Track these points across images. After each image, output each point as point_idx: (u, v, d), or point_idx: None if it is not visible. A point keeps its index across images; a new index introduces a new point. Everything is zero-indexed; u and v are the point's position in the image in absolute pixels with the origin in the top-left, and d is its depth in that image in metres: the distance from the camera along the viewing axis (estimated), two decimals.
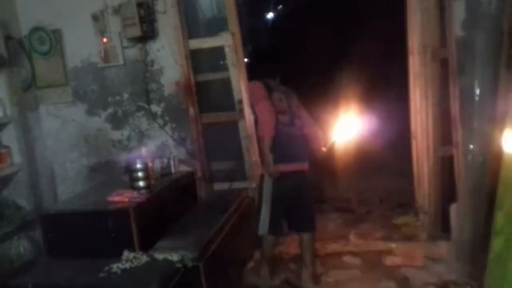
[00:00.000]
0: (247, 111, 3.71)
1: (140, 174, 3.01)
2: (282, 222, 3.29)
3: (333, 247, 3.77)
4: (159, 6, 3.78)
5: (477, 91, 3.07)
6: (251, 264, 3.59)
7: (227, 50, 3.79)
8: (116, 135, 4.14)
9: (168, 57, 3.88)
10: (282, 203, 3.17)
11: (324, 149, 3.31)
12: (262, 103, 3.07)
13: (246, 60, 3.82)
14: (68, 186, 4.26)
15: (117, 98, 4.08)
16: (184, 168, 3.67)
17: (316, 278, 3.32)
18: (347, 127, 3.31)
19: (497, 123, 2.96)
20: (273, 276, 3.42)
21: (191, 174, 3.72)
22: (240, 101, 3.76)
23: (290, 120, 3.12)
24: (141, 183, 3.02)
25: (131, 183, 3.04)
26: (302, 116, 3.24)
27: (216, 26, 3.87)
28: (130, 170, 3.06)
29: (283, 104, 3.10)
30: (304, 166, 3.18)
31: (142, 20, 3.64)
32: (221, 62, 3.88)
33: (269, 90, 3.11)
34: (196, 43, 3.89)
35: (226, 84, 3.81)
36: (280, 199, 3.15)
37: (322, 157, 3.33)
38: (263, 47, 8.59)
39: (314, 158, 3.33)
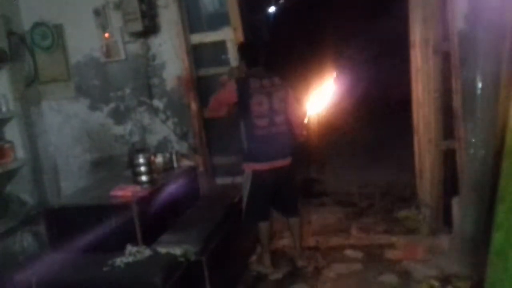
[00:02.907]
0: None
1: (142, 168, 3.02)
2: (266, 210, 3.40)
3: (334, 240, 3.77)
4: (160, 1, 3.78)
5: (479, 85, 3.05)
6: (254, 257, 3.60)
7: (229, 44, 3.79)
8: (118, 130, 4.14)
9: (169, 52, 3.88)
10: (263, 195, 3.30)
11: (305, 132, 3.44)
12: (219, 104, 3.28)
13: None
14: (71, 180, 4.27)
15: (119, 93, 4.08)
16: (186, 163, 3.67)
17: (303, 258, 3.48)
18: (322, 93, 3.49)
19: (499, 116, 2.96)
20: (276, 268, 3.43)
21: (193, 168, 3.73)
22: None
23: (270, 121, 3.19)
24: (143, 178, 3.02)
25: (134, 178, 3.05)
26: (288, 105, 3.29)
27: (218, 20, 3.87)
28: (132, 165, 3.07)
29: (262, 108, 3.17)
30: (284, 162, 3.28)
31: (143, 14, 3.64)
32: (223, 57, 3.89)
33: (248, 94, 3.15)
34: (198, 38, 3.89)
35: None
36: (258, 192, 3.28)
37: (303, 139, 3.48)
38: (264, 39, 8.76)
39: (297, 142, 3.49)
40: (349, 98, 5.61)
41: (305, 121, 3.42)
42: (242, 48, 3.39)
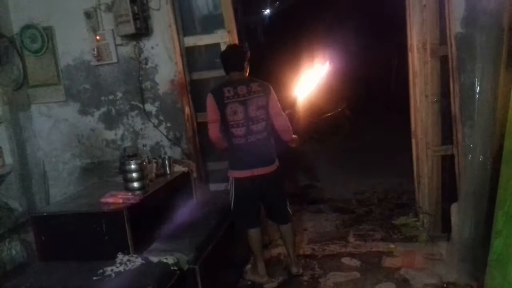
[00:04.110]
0: None
1: (134, 175, 2.95)
2: (253, 216, 3.34)
3: (331, 248, 3.74)
4: (153, 3, 3.73)
5: (478, 89, 3.04)
6: (248, 266, 3.54)
7: (223, 47, 3.72)
8: (109, 135, 4.07)
9: (162, 55, 3.82)
10: (247, 202, 3.27)
11: (295, 136, 3.38)
12: (211, 126, 3.22)
13: None
14: (61, 187, 4.20)
15: (111, 97, 4.01)
16: (179, 169, 3.60)
17: (298, 265, 3.45)
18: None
19: (498, 121, 2.93)
20: (271, 277, 3.37)
21: (187, 174, 3.65)
22: None
23: (247, 130, 3.14)
24: (135, 184, 2.95)
25: (125, 184, 2.99)
26: (270, 112, 3.22)
27: (212, 23, 3.82)
28: (124, 170, 3.00)
29: (237, 117, 3.12)
30: (267, 169, 3.22)
31: (135, 17, 3.58)
32: (217, 60, 3.81)
33: (223, 104, 3.11)
34: (191, 41, 3.84)
35: None
36: (242, 199, 3.25)
37: (295, 144, 3.42)
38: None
39: (288, 148, 3.45)
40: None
41: (291, 128, 3.34)
42: (221, 56, 3.32)
